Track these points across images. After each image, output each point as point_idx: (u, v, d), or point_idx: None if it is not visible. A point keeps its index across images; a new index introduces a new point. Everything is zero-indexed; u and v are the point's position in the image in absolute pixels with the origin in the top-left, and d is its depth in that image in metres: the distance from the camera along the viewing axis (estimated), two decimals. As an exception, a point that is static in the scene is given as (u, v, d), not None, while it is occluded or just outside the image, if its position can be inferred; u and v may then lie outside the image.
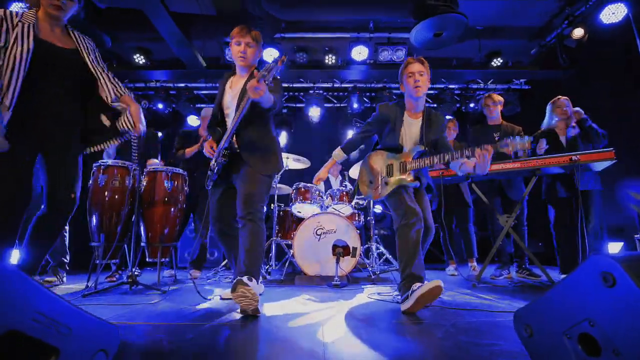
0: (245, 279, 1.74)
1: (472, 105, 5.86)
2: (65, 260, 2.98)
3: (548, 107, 3.38)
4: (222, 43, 4.68)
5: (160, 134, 5.72)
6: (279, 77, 2.06)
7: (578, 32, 4.05)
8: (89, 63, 1.80)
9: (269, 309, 1.93)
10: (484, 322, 1.60)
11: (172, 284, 2.94)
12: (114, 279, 2.98)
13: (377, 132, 2.31)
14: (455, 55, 5.32)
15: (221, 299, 2.21)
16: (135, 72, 5.29)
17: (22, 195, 1.63)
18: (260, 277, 2.04)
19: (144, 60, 5.05)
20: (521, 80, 5.69)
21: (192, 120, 5.94)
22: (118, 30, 4.35)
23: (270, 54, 4.82)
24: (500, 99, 3.49)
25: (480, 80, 5.73)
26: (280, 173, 3.74)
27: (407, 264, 1.91)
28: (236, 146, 2.04)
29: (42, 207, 1.72)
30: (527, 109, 5.54)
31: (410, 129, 2.19)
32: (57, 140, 1.71)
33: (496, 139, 3.41)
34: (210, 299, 2.21)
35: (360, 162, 2.50)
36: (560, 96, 3.32)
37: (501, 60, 5.07)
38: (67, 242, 3.00)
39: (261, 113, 2.00)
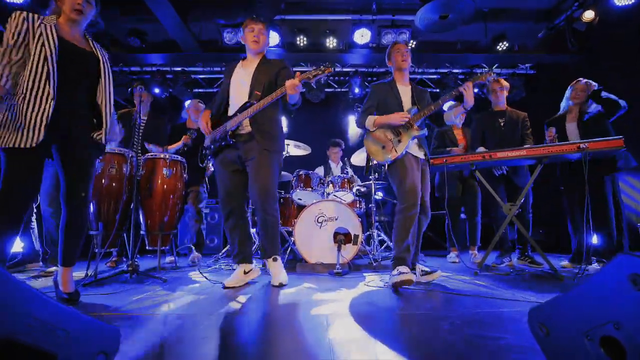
0: (275, 263, 2.27)
1: (476, 90, 5.75)
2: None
3: (567, 91, 3.28)
4: (219, 25, 4.53)
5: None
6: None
7: (588, 15, 3.92)
8: (102, 70, 1.88)
9: (272, 298, 1.91)
10: (489, 313, 1.58)
11: (173, 272, 2.92)
12: (114, 264, 2.97)
13: (377, 105, 2.50)
14: (459, 39, 5.18)
15: (224, 287, 2.19)
16: (130, 55, 5.14)
17: (32, 185, 1.67)
18: (254, 263, 2.44)
19: (139, 43, 4.89)
20: (527, 65, 5.56)
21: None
22: (112, 11, 4.19)
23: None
24: (507, 84, 3.40)
25: (484, 65, 5.60)
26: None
27: (396, 245, 2.22)
28: (248, 130, 2.22)
29: (62, 207, 1.80)
30: (532, 94, 5.44)
31: (404, 95, 2.47)
32: (74, 135, 1.77)
33: (501, 124, 3.35)
34: (219, 283, 2.24)
35: (362, 148, 2.59)
36: (580, 78, 3.19)
37: (507, 44, 4.93)
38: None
39: (277, 102, 2.23)
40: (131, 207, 2.58)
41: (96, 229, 2.69)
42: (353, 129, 6.14)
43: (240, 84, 2.31)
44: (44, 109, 1.63)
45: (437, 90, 5.83)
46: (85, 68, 1.81)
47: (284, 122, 6.00)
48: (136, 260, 3.11)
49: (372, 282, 2.41)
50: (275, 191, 2.25)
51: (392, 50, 2.51)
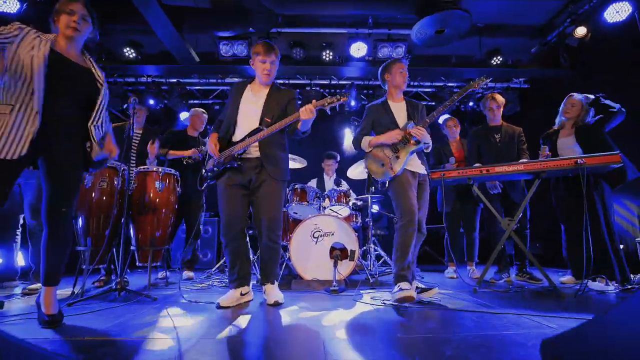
0: (273, 285, 2.27)
1: (470, 104, 5.80)
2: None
3: (561, 106, 3.28)
4: (216, 37, 4.52)
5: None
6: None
7: (580, 31, 3.98)
8: (101, 93, 1.85)
9: (266, 320, 1.83)
10: (493, 335, 1.52)
11: (164, 289, 2.82)
12: (102, 283, 2.85)
13: (372, 125, 2.55)
14: (454, 53, 5.23)
15: (218, 307, 2.10)
16: (125, 67, 5.11)
17: (2, 194, 1.61)
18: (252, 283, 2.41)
19: (134, 54, 4.87)
20: (520, 79, 5.62)
21: (185, 117, 5.76)
22: (108, 23, 4.16)
23: (266, 49, 4.67)
24: (503, 100, 3.41)
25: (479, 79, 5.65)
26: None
27: (396, 263, 2.23)
28: (256, 155, 2.22)
29: (43, 222, 1.72)
30: (527, 108, 5.48)
31: (398, 111, 2.49)
32: (61, 148, 1.72)
33: (497, 139, 3.34)
34: (212, 303, 2.13)
35: (361, 161, 2.77)
36: (572, 93, 3.17)
37: (501, 59, 4.98)
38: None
39: (284, 132, 2.31)
40: (122, 221, 2.49)
41: (84, 245, 2.59)
42: (349, 142, 6.13)
43: (250, 110, 2.29)
44: (30, 122, 1.59)
45: (433, 103, 5.87)
46: (77, 83, 1.77)
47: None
48: (125, 276, 3.02)
49: (370, 300, 2.34)
50: (280, 220, 2.29)
51: (393, 68, 2.51)
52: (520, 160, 3.00)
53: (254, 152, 2.23)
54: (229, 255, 2.28)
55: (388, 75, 2.53)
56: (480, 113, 5.73)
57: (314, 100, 2.12)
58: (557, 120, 3.30)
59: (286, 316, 1.91)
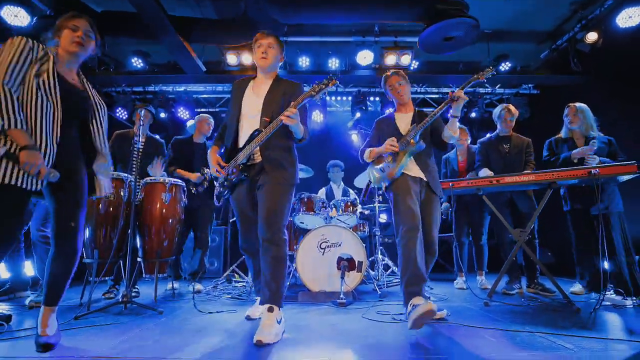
0: (271, 313, 1.78)
1: (476, 109, 5.71)
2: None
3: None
4: (222, 47, 4.55)
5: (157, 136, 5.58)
6: (306, 105, 2.04)
7: (592, 37, 3.90)
8: (94, 112, 1.80)
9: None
10: None
11: (171, 300, 2.81)
12: (112, 295, 2.85)
13: (378, 138, 2.48)
14: (461, 60, 5.18)
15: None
16: (133, 77, 5.16)
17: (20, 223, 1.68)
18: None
19: (142, 64, 4.92)
20: (529, 85, 5.54)
21: (191, 124, 5.77)
22: (115, 34, 4.20)
23: (272, 58, 4.67)
24: (517, 112, 3.38)
25: (487, 85, 5.59)
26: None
27: (402, 278, 2.03)
28: (258, 160, 1.99)
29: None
30: (537, 115, 5.38)
31: (404, 121, 2.44)
32: (70, 175, 1.67)
33: (506, 149, 3.30)
34: (217, 312, 2.09)
35: (366, 171, 2.68)
36: (570, 103, 3.14)
37: (509, 65, 4.92)
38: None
39: (286, 132, 1.99)
40: (128, 233, 2.49)
41: (91, 257, 2.59)
42: (355, 150, 6.09)
43: (251, 108, 2.05)
44: (51, 152, 1.56)
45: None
46: (78, 108, 1.73)
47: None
48: (136, 287, 3.02)
49: (377, 314, 2.30)
50: (282, 219, 1.93)
51: (385, 86, 2.50)
52: (532, 171, 2.95)
53: (257, 157, 2.00)
54: (253, 266, 2.26)
55: (388, 95, 2.55)
56: (489, 119, 5.64)
57: (292, 102, 1.86)
58: (563, 131, 3.24)
59: (290, 330, 1.88)
